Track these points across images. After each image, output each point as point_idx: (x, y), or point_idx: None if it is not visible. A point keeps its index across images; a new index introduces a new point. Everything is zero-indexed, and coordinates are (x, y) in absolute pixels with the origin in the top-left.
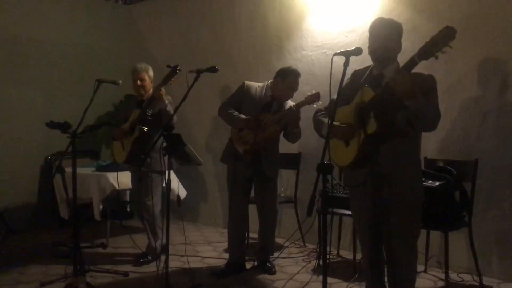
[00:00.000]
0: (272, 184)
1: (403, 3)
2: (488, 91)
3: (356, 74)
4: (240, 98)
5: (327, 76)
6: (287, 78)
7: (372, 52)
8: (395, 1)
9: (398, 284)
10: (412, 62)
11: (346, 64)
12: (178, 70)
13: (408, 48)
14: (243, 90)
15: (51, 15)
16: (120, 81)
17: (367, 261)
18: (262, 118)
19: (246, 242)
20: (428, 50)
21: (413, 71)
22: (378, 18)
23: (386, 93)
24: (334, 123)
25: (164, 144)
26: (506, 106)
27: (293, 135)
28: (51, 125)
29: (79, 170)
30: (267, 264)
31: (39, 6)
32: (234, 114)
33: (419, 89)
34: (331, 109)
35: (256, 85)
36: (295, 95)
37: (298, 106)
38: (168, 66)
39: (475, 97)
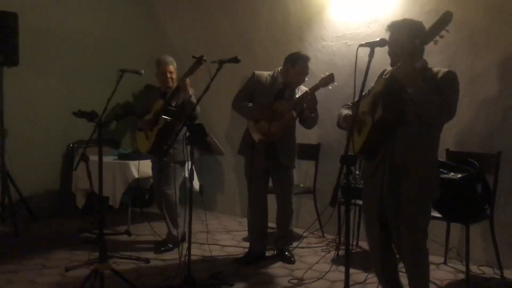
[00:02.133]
0: (289, 174)
1: None
2: (511, 85)
3: (385, 71)
4: (252, 89)
5: (348, 66)
6: (297, 64)
7: (384, 44)
8: None
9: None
10: (414, 48)
11: (371, 55)
12: (203, 60)
13: None
14: (254, 80)
15: (72, 6)
16: (142, 71)
17: (377, 259)
18: (277, 107)
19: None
20: (429, 35)
21: (434, 69)
22: (391, 22)
23: (392, 81)
24: (346, 113)
25: (187, 134)
26: None
27: (311, 120)
28: (79, 114)
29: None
30: (286, 253)
31: None
32: (248, 105)
33: (429, 82)
34: (355, 102)
35: (266, 74)
36: (307, 79)
37: (313, 89)
38: (194, 56)
39: (498, 90)
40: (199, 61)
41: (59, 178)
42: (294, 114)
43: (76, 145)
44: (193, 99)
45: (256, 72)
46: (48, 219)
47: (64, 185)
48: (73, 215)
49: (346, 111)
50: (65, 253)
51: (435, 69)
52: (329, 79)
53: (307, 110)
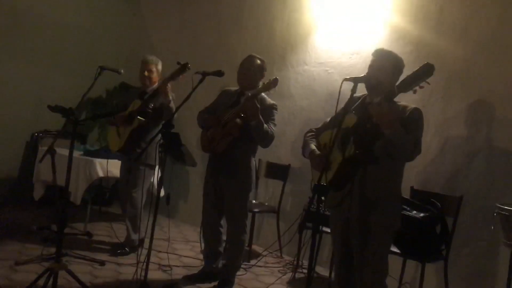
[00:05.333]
0: (238, 196)
1: (407, 37)
2: (479, 131)
3: (351, 100)
4: (216, 104)
5: (326, 93)
6: (241, 63)
7: (367, 79)
8: (401, 31)
9: None
10: (392, 93)
11: (353, 90)
12: (188, 68)
13: None
14: (221, 96)
15: None
16: (122, 70)
17: (342, 283)
18: (224, 115)
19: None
20: (408, 83)
21: (401, 103)
22: (379, 48)
23: (365, 120)
24: (313, 149)
25: (161, 141)
26: (495, 150)
27: (254, 129)
28: (54, 108)
29: (66, 153)
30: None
31: None
32: (205, 116)
33: (400, 120)
34: (318, 129)
35: (232, 89)
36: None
37: (254, 94)
38: (178, 63)
39: (467, 135)
40: (183, 68)
41: (18, 166)
42: (239, 121)
43: (41, 134)
44: (172, 105)
45: (225, 88)
46: (1, 208)
47: (23, 174)
48: (28, 205)
49: (311, 144)
50: (16, 246)
51: (401, 104)
52: (272, 84)
53: (248, 117)
